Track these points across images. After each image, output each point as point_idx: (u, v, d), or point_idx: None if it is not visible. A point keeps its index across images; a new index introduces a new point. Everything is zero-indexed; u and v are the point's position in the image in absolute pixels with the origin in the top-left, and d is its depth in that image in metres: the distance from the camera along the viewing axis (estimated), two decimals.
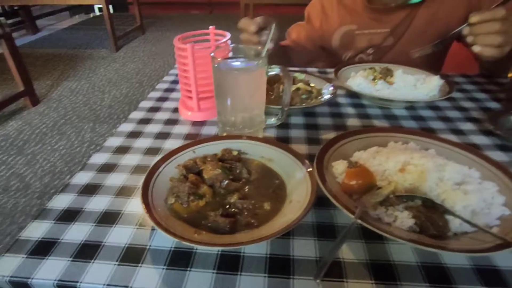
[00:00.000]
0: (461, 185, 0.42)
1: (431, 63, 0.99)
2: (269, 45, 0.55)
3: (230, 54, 0.61)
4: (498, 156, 0.58)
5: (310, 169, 0.46)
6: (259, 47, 0.57)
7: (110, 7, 3.61)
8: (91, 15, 5.92)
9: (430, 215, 0.38)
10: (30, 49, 3.86)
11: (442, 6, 0.90)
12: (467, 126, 0.67)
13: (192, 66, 0.64)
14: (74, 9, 5.78)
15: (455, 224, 0.38)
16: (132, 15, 4.93)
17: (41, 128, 2.21)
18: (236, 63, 0.56)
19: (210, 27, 0.74)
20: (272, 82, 0.76)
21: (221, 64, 0.54)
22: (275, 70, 0.55)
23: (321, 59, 1.15)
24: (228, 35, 0.69)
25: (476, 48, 0.70)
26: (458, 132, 0.65)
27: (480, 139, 0.63)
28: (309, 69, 0.97)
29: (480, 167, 0.47)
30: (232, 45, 0.61)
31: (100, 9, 5.85)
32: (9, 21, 4.41)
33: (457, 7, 0.89)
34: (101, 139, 2.08)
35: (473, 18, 0.68)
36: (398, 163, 0.44)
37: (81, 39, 4.25)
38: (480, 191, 0.42)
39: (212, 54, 0.54)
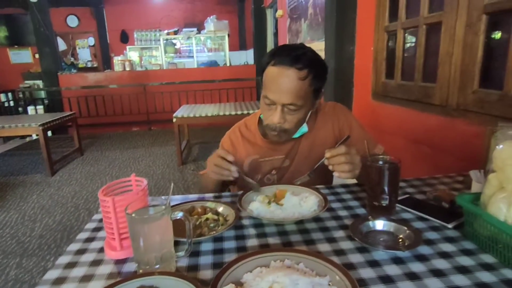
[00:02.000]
0: None
1: (324, 179, 1.26)
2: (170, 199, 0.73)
3: (149, 199, 0.77)
4: (357, 258, 0.76)
5: None
6: (167, 197, 0.74)
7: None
8: (27, 139, 5.87)
9: None
10: None
11: (317, 138, 1.21)
12: (339, 233, 0.87)
13: (113, 214, 0.78)
14: None
15: None
16: (71, 136, 5.04)
17: None
18: (145, 214, 0.71)
19: (131, 175, 0.91)
20: (188, 212, 0.91)
21: (133, 216, 0.69)
22: (178, 216, 0.71)
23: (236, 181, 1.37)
24: (145, 182, 0.85)
25: (335, 174, 0.95)
26: (332, 240, 0.84)
27: (346, 244, 0.82)
28: (223, 194, 1.16)
29: (332, 273, 0.64)
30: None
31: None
32: None
33: (327, 138, 1.21)
34: (27, 275, 1.95)
35: (327, 154, 0.95)
36: (268, 283, 0.59)
37: (14, 166, 4.18)
38: None
39: (126, 208, 0.69)
